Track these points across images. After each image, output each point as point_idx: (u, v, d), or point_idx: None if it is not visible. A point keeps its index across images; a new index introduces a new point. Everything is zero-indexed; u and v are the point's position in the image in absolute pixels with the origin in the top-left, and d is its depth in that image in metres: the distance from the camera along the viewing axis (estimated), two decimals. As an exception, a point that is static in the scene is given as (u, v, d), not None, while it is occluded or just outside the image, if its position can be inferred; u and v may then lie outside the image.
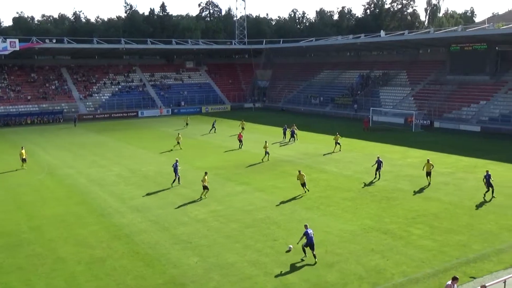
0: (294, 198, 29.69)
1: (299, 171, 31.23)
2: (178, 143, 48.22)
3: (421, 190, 31.48)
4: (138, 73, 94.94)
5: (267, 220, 25.92)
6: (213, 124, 61.32)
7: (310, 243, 20.62)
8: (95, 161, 43.38)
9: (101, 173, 38.18)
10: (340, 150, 45.83)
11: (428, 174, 32.83)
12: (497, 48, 67.66)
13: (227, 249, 21.97)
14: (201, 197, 30.38)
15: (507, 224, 24.76)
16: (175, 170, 33.94)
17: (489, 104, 61.80)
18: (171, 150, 47.59)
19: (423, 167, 33.42)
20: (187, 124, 65.89)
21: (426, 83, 73.78)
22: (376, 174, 34.75)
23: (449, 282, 15.27)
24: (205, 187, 30.38)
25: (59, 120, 75.58)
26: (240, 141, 48.52)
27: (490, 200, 28.88)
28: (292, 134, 52.39)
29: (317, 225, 24.40)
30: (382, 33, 78.36)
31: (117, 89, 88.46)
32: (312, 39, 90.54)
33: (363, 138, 52.92)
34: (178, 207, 28.73)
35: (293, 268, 19.90)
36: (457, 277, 15.44)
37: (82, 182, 35.54)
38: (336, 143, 46.21)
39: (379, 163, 34.63)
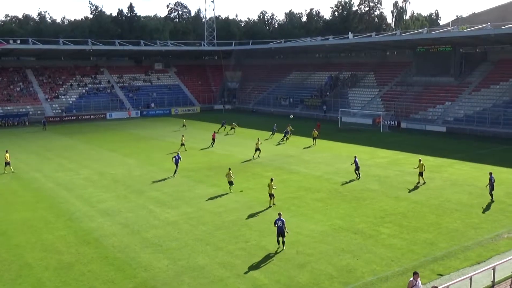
0: (265, 200, 29.75)
1: (271, 179, 29.27)
2: (183, 144, 47.84)
3: (389, 190, 32.00)
4: (106, 75, 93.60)
5: (238, 221, 25.91)
6: (223, 124, 62.53)
7: (279, 232, 21.99)
8: (63, 164, 42.56)
9: (69, 177, 37.48)
10: (315, 144, 49.47)
11: (420, 174, 33.51)
12: (461, 50, 69.36)
13: (198, 252, 21.87)
14: (231, 191, 31.89)
15: (472, 222, 25.40)
16: (176, 162, 36.90)
17: (454, 105, 63.28)
18: (185, 150, 47.17)
19: (417, 167, 34.00)
20: (184, 125, 64.60)
21: (393, 84, 75.09)
22: (356, 174, 35.42)
23: (411, 279, 15.66)
24: (230, 183, 31.65)
25: (24, 123, 73.85)
26: (214, 140, 50.12)
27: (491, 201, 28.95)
28: (285, 134, 53.84)
29: (288, 226, 24.50)
30: (350, 35, 79.44)
31: (84, 91, 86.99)
32: (281, 40, 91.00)
33: (332, 139, 53.49)
34: (149, 210, 28.46)
35: (265, 269, 19.95)
36: (418, 272, 15.87)
37: (50, 186, 34.81)
38: (314, 138, 50.11)
39: (356, 163, 35.42)
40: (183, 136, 49.83)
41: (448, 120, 61.30)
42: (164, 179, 35.91)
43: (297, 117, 78.23)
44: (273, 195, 28.76)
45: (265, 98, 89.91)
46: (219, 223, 25.76)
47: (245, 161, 42.15)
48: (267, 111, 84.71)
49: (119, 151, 48.37)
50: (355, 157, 36.21)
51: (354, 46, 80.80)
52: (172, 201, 30.08)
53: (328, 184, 33.89)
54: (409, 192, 31.50)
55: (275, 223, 22.14)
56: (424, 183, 33.35)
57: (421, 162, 33.69)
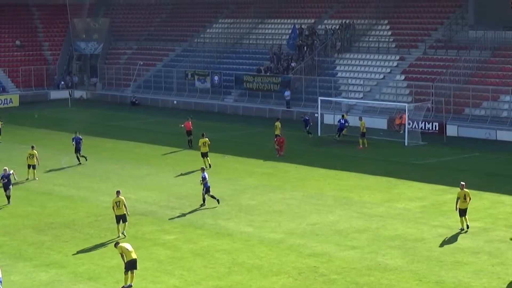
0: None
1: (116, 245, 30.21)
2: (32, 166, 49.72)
3: (424, 266, 32.20)
4: None
5: None
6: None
7: None
8: None
9: None
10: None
11: (462, 213, 35.12)
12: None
13: None
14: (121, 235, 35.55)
15: None
16: (8, 184, 42.73)
17: (553, 88, 65.15)
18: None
19: (456, 203, 35.37)
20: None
21: (428, 46, 76.47)
22: (204, 199, 40.79)
23: None
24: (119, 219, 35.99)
25: None
26: (190, 133, 57.21)
27: None
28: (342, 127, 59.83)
29: None
30: None
31: None
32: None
33: (304, 162, 53.90)
34: None
35: None
36: None
37: None
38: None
39: (205, 185, 40.61)
40: (33, 148, 49.89)
41: (542, 120, 63.10)
42: None
43: (229, 115, 78.31)
44: None
45: (159, 76, 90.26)
46: None
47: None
48: (166, 104, 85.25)
49: None
50: (203, 170, 41.21)
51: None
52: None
53: (298, 257, 33.75)
54: (411, 273, 31.84)
55: None
56: (466, 230, 34.90)
57: (464, 189, 35.35)
